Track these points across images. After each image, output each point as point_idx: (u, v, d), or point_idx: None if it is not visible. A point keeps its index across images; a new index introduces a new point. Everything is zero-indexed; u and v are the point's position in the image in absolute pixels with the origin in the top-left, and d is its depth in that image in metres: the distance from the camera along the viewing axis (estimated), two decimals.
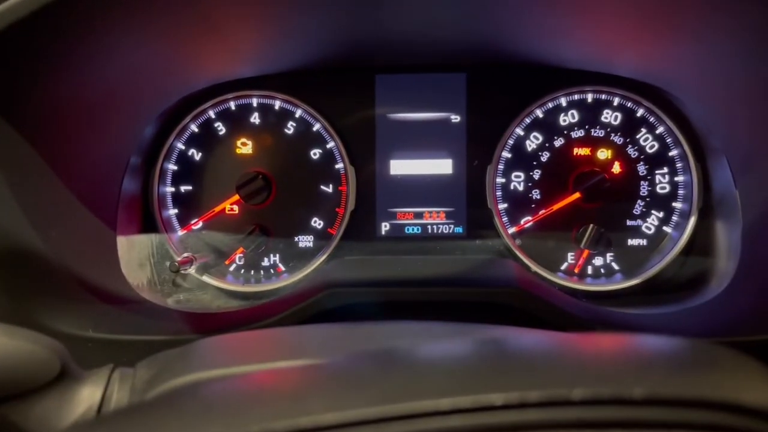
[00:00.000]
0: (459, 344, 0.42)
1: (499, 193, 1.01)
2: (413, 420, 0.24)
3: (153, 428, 0.32)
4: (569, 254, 1.00)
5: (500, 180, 1.00)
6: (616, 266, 1.00)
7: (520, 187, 1.00)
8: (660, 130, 0.98)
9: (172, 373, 0.52)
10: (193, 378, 0.51)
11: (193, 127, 1.00)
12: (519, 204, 1.00)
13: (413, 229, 1.02)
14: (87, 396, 0.52)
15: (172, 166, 1.01)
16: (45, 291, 0.73)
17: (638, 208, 0.99)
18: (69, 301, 0.75)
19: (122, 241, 0.88)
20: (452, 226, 1.02)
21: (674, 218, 0.99)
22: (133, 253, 0.91)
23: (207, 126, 1.01)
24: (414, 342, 0.58)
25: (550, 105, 1.00)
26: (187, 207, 1.01)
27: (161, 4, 0.64)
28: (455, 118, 1.01)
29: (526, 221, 1.00)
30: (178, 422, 0.32)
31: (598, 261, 1.00)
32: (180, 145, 1.00)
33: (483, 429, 0.25)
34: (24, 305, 0.69)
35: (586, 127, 0.99)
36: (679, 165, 0.98)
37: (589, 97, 0.99)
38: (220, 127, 1.01)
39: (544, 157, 1.00)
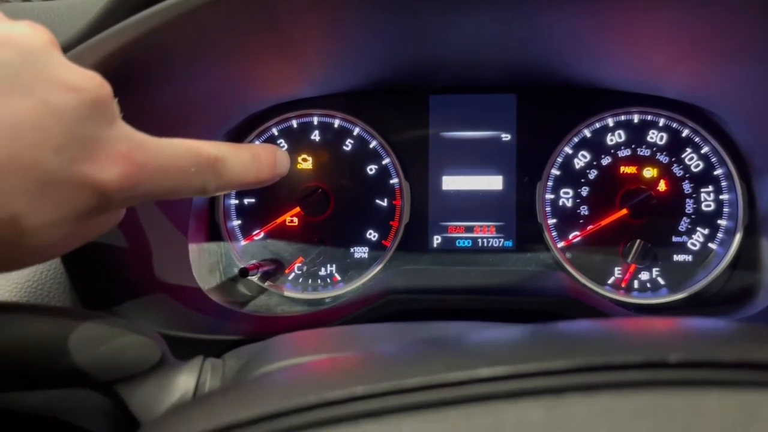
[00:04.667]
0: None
1: (548, 209, 1.05)
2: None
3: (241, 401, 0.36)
4: (616, 268, 1.04)
5: (549, 196, 1.05)
6: (661, 281, 1.03)
7: (569, 203, 1.04)
8: (705, 150, 1.02)
9: (261, 362, 0.58)
10: (281, 365, 0.56)
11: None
12: (567, 219, 1.04)
13: (464, 242, 1.07)
14: (183, 382, 0.57)
15: None
16: (135, 294, 0.80)
17: (684, 225, 1.02)
18: (154, 304, 0.81)
19: (193, 249, 0.94)
20: (502, 239, 1.06)
21: (720, 235, 1.02)
22: (203, 260, 0.97)
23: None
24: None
25: (597, 125, 1.04)
26: (250, 218, 1.07)
27: (245, 28, 0.70)
28: (506, 137, 1.06)
29: (575, 236, 1.04)
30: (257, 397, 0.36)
31: (644, 275, 1.03)
32: None
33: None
34: (118, 306, 0.75)
35: (633, 146, 1.03)
36: (724, 184, 1.01)
37: (636, 118, 1.03)
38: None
39: (592, 174, 1.04)
